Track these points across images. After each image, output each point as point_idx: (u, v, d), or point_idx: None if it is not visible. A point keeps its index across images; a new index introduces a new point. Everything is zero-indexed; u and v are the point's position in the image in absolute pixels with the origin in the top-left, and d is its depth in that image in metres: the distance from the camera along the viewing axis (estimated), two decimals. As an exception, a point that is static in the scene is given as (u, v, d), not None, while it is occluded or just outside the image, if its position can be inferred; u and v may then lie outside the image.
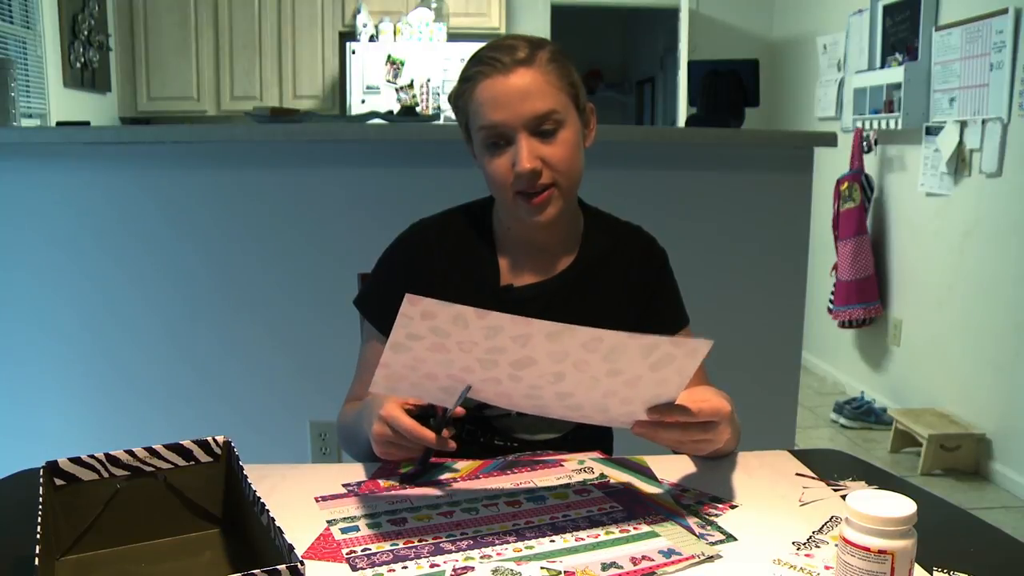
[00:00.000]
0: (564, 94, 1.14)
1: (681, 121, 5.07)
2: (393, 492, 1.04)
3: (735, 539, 0.92)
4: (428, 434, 0.98)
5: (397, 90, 4.73)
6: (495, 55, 1.13)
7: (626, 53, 8.02)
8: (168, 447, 0.94)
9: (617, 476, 1.09)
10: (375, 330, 1.25)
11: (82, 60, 4.35)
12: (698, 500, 1.02)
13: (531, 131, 1.12)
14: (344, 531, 0.93)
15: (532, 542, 0.90)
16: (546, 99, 1.12)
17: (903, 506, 0.75)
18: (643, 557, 0.87)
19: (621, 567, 0.85)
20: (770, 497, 1.03)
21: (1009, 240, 3.18)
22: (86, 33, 4.38)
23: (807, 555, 0.88)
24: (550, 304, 1.23)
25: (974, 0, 3.33)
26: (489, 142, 1.14)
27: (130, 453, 0.92)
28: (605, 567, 0.85)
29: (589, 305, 1.25)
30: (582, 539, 0.91)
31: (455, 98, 1.20)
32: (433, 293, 1.22)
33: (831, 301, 4.23)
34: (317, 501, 1.01)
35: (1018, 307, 3.13)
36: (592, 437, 1.33)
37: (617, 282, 1.27)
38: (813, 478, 1.10)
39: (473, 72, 1.15)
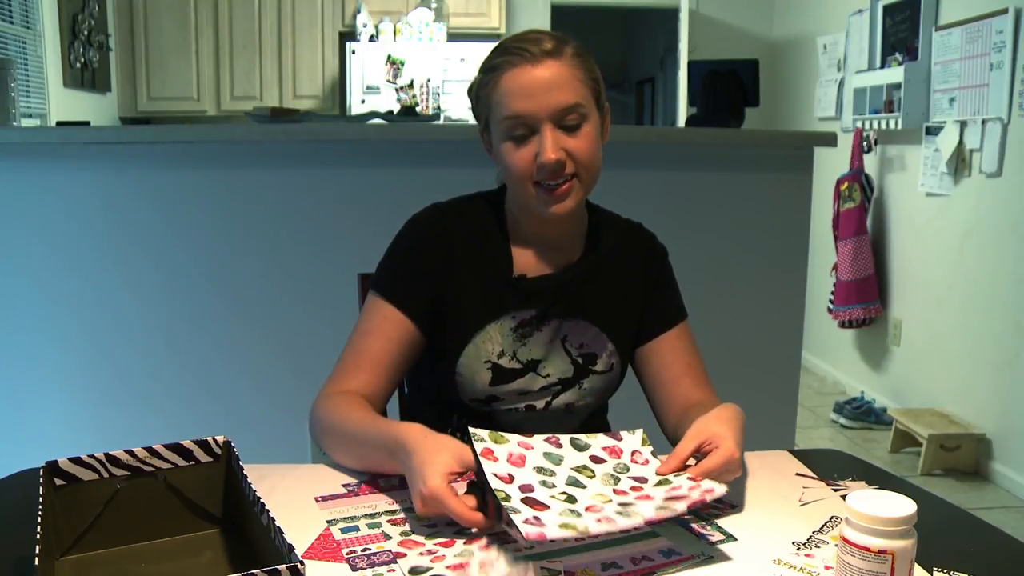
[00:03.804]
0: (588, 89, 1.15)
1: (681, 121, 5.07)
2: (393, 492, 1.04)
3: (735, 539, 0.92)
4: (477, 517, 0.90)
5: (397, 90, 4.72)
6: (522, 45, 1.12)
7: (626, 53, 8.03)
8: (168, 447, 0.94)
9: (617, 476, 1.09)
10: (396, 317, 1.19)
11: (82, 60, 4.35)
12: (698, 500, 1.02)
13: (556, 123, 1.12)
14: (344, 531, 0.93)
15: (532, 542, 0.90)
16: (572, 92, 1.12)
17: (903, 506, 0.75)
18: (643, 557, 0.87)
19: (621, 567, 0.85)
20: (770, 497, 1.03)
21: (1009, 240, 3.18)
22: (86, 33, 4.38)
23: (807, 555, 0.88)
24: (559, 298, 1.24)
25: (974, 0, 3.33)
26: (512, 132, 1.14)
27: (130, 453, 0.92)
28: (605, 567, 0.85)
29: (596, 300, 1.26)
30: (582, 539, 0.91)
31: (476, 87, 1.19)
32: (447, 278, 1.22)
33: (831, 301, 4.23)
34: (317, 501, 1.01)
35: (1018, 307, 3.13)
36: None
37: (622, 278, 1.28)
38: (813, 478, 1.10)
39: (499, 61, 1.14)
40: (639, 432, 1.07)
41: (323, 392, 1.19)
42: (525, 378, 1.23)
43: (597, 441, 1.04)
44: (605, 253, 1.27)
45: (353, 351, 1.21)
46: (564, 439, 1.02)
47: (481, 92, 1.18)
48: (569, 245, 1.26)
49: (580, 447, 1.02)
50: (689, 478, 0.96)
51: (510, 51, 1.13)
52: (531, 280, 1.23)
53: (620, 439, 1.05)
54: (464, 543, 0.90)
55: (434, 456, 0.93)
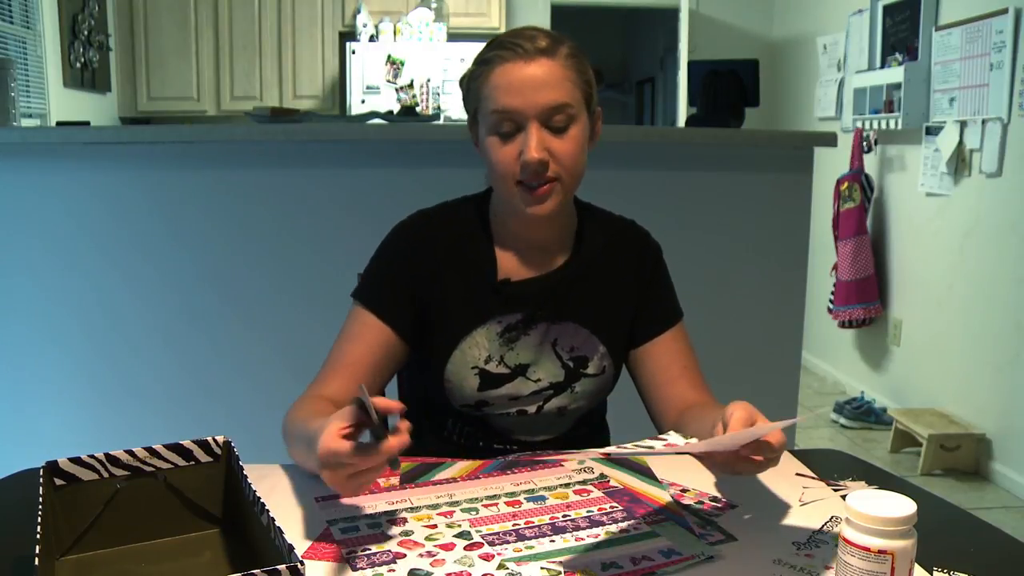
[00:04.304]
0: (579, 91, 1.14)
1: (681, 121, 5.07)
2: (393, 492, 1.04)
3: (735, 539, 0.92)
4: (373, 456, 0.84)
5: (397, 90, 4.73)
6: (517, 41, 1.12)
7: (626, 53, 8.03)
8: (168, 447, 0.94)
9: (617, 476, 1.09)
10: (375, 324, 1.20)
11: (82, 60, 4.35)
12: (698, 500, 1.02)
13: (542, 122, 1.11)
14: (344, 531, 0.93)
15: (532, 542, 0.90)
16: (562, 92, 1.11)
17: (903, 506, 0.75)
18: (643, 557, 0.87)
19: (621, 567, 0.85)
20: (770, 497, 1.03)
21: (1009, 240, 3.18)
22: (86, 33, 4.38)
23: (807, 555, 0.88)
24: (547, 300, 1.22)
25: (974, 0, 3.33)
26: (498, 128, 1.12)
27: (130, 453, 0.92)
28: (605, 567, 0.85)
29: (586, 302, 1.24)
30: (582, 539, 0.91)
31: (468, 79, 1.18)
32: (432, 284, 1.22)
33: (831, 301, 4.23)
34: (317, 501, 1.01)
35: (1018, 307, 3.13)
36: (590, 437, 1.33)
37: (614, 277, 1.26)
38: (813, 478, 1.10)
39: (492, 55, 1.13)
40: (672, 432, 1.05)
41: (300, 396, 1.19)
42: (514, 382, 1.22)
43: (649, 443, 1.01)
44: (594, 254, 1.25)
45: (332, 357, 1.22)
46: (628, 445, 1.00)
47: (472, 84, 1.17)
48: (555, 247, 1.24)
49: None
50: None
51: (504, 45, 1.12)
52: (515, 284, 1.22)
53: (664, 439, 1.03)
54: (464, 548, 0.90)
55: (325, 425, 0.87)
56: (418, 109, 4.36)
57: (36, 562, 0.73)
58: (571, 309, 1.24)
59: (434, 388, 1.24)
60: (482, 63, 1.14)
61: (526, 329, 1.22)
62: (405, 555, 0.87)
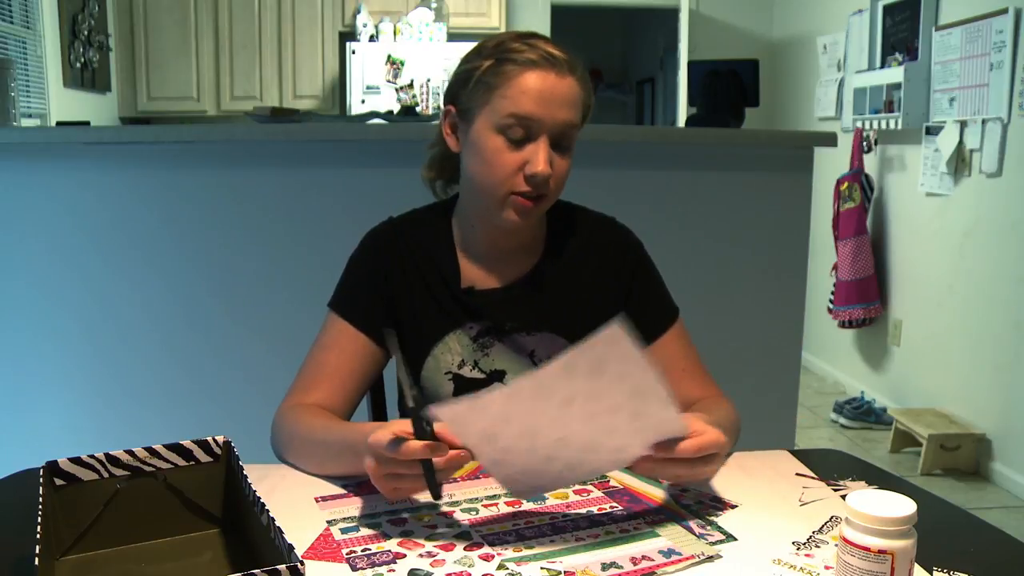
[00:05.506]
0: (583, 114, 1.14)
1: (681, 121, 5.07)
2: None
3: (735, 539, 0.92)
4: (414, 445, 0.87)
5: (397, 90, 4.73)
6: (546, 49, 1.10)
7: (626, 53, 8.03)
8: (168, 447, 0.94)
9: (617, 476, 1.09)
10: (350, 332, 1.21)
11: (82, 60, 4.35)
12: (698, 500, 1.02)
13: (553, 139, 1.11)
14: (344, 531, 0.93)
15: (532, 542, 0.90)
16: (576, 113, 1.12)
17: (903, 506, 0.75)
18: (643, 557, 0.87)
19: (621, 567, 0.85)
20: (770, 497, 1.03)
21: (1009, 240, 3.18)
22: (86, 33, 4.38)
23: (807, 555, 0.88)
24: (514, 310, 1.21)
25: (974, 0, 3.33)
26: (508, 132, 1.10)
27: (130, 453, 0.92)
28: (605, 567, 0.85)
29: (562, 308, 1.23)
30: (582, 539, 0.91)
31: (482, 71, 1.12)
32: (401, 292, 1.22)
33: (831, 301, 4.23)
34: (317, 501, 1.01)
35: (1018, 307, 3.13)
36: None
37: (590, 280, 1.24)
38: (813, 478, 1.10)
39: (523, 58, 1.09)
40: None
41: (284, 404, 1.20)
42: (490, 388, 1.22)
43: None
44: (566, 258, 1.24)
45: (312, 365, 1.22)
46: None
47: (487, 77, 1.11)
48: (521, 255, 1.23)
49: None
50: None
51: (536, 48, 1.10)
52: (480, 293, 1.21)
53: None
54: (464, 548, 0.90)
55: (385, 425, 0.92)
56: (418, 109, 4.36)
57: (36, 562, 0.73)
58: (546, 318, 1.22)
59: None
60: (505, 60, 1.10)
61: (499, 337, 1.21)
62: (405, 555, 0.87)
